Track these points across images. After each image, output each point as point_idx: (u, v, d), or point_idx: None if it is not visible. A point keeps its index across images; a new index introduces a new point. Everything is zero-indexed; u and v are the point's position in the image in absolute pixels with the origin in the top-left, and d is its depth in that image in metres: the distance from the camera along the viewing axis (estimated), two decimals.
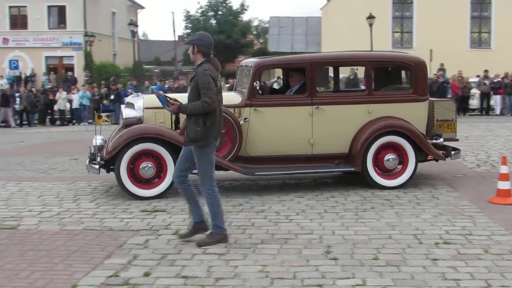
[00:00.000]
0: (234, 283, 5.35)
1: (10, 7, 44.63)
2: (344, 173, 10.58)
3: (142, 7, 60.04)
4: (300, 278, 5.46)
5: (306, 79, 9.69)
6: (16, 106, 28.39)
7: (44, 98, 28.53)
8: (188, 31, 53.06)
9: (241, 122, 9.37)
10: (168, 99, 6.62)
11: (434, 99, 10.29)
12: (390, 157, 9.58)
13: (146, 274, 5.60)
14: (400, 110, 9.71)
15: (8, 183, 10.74)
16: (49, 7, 44.34)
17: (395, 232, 6.97)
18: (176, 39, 62.27)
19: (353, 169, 9.59)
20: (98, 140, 9.59)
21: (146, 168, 9.07)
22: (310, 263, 5.87)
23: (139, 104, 9.50)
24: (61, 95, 28.44)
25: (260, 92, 9.59)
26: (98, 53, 40.92)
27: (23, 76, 40.77)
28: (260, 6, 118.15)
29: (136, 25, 46.17)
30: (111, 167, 9.25)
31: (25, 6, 44.39)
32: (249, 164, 9.50)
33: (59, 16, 44.82)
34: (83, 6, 44.00)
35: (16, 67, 40.07)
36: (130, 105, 9.75)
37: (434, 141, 9.93)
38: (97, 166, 9.18)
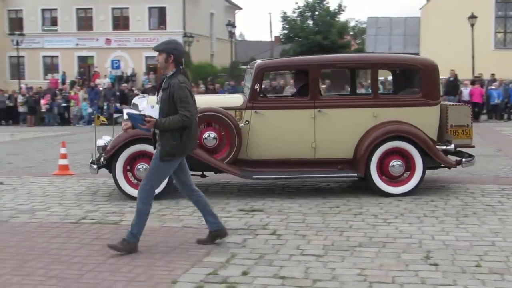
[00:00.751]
0: (332, 286, 5.32)
1: (113, 8, 46.08)
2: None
3: (240, 8, 60.74)
4: (399, 283, 5.36)
5: (309, 81, 9.44)
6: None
7: None
8: (285, 31, 53.17)
9: (241, 125, 9.27)
10: (143, 116, 6.22)
11: (448, 103, 9.88)
12: (395, 163, 9.20)
13: (244, 273, 5.64)
14: (409, 114, 9.31)
15: (111, 179, 11.06)
16: (150, 8, 45.51)
17: (499, 239, 6.75)
18: (273, 39, 62.60)
19: (355, 174, 9.31)
20: (105, 140, 9.55)
21: (141, 169, 9.08)
22: (410, 268, 5.76)
23: (143, 105, 9.12)
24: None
25: (263, 94, 9.62)
26: (196, 54, 41.62)
27: (124, 75, 41.96)
28: (358, 7, 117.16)
29: (234, 26, 46.68)
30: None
31: (127, 8, 45.73)
32: (251, 167, 9.38)
33: (159, 17, 45.94)
34: (183, 7, 44.92)
35: (118, 67, 41.21)
36: (135, 106, 9.66)
37: (445, 147, 9.43)
38: (95, 166, 9.20)
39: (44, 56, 47.16)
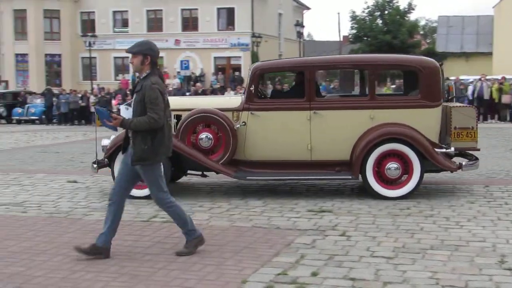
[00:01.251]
0: None
1: (182, 10, 46.68)
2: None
3: (308, 8, 60.62)
4: (473, 287, 5.26)
5: (305, 83, 9.39)
6: None
7: None
8: (354, 31, 52.82)
9: (237, 126, 9.36)
10: (110, 113, 6.09)
11: (452, 105, 9.64)
12: (391, 166, 9.06)
13: (314, 274, 5.63)
14: (407, 116, 9.13)
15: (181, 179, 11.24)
16: (219, 9, 45.90)
17: None
18: (341, 39, 62.22)
19: (350, 177, 9.18)
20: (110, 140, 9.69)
21: None
22: (483, 272, 5.64)
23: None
24: (229, 94, 29.33)
25: (263, 95, 9.79)
26: (265, 54, 41.72)
27: (193, 76, 42.44)
28: (428, 5, 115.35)
29: (302, 26, 46.63)
30: None
31: (196, 9, 46.25)
32: (249, 168, 9.45)
33: (227, 18, 46.28)
34: (251, 8, 45.12)
35: (187, 67, 41.80)
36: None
37: (445, 150, 9.19)
38: (95, 166, 9.26)
39: (115, 57, 48.14)
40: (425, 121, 9.15)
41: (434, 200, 8.99)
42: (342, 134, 9.21)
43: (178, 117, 9.57)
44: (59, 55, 48.53)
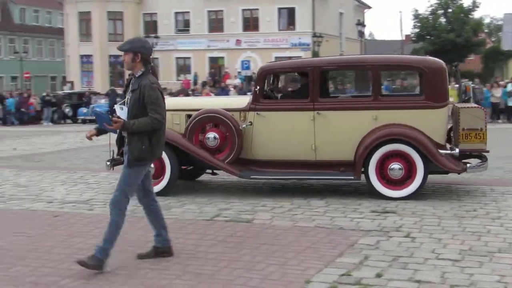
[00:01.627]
0: None
1: (243, 10, 46.89)
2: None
3: (369, 7, 60.15)
4: None
5: (309, 83, 9.47)
6: None
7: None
8: (417, 30, 52.12)
9: (243, 126, 9.56)
10: (111, 116, 5.85)
11: (461, 105, 9.47)
12: (394, 166, 9.05)
13: (378, 276, 5.57)
14: (411, 117, 9.07)
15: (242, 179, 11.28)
16: (279, 9, 45.98)
17: None
18: (403, 38, 61.45)
19: (352, 177, 9.20)
20: None
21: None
22: None
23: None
24: None
25: (273, 96, 9.96)
26: (326, 53, 41.45)
27: (254, 76, 42.55)
28: (493, 3, 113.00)
29: (363, 25, 46.28)
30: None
31: (257, 9, 46.40)
32: (257, 167, 9.62)
33: (288, 17, 46.31)
34: (312, 8, 45.04)
35: (248, 68, 41.93)
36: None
37: (450, 151, 9.13)
38: (108, 163, 9.05)
39: (177, 58, 48.71)
40: (429, 121, 9.09)
41: (501, 202, 8.79)
42: (345, 134, 9.25)
43: (189, 117, 9.90)
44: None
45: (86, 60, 50.12)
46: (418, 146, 8.93)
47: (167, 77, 47.01)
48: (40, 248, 6.66)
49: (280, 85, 10.63)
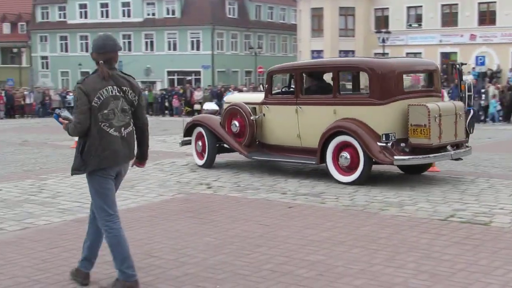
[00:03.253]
0: None
1: (479, 3, 44.97)
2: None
3: None
4: None
5: (294, 83, 11.59)
6: (482, 102, 28.71)
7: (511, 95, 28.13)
8: None
9: (256, 117, 11.97)
10: (60, 117, 5.31)
11: (412, 103, 10.27)
12: (342, 155, 10.49)
13: None
14: (360, 112, 10.43)
15: (477, 178, 10.86)
16: None
17: None
18: None
19: (313, 162, 11.01)
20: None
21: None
22: None
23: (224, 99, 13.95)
24: None
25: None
26: None
27: (488, 72, 40.72)
28: None
29: None
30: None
31: (494, 2, 44.25)
32: (268, 150, 11.93)
33: None
34: None
35: (482, 63, 40.20)
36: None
37: (384, 144, 10.11)
38: (180, 142, 13.62)
39: (408, 53, 47.93)
40: (372, 117, 10.30)
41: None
42: (316, 125, 10.90)
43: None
44: (353, 52, 49.59)
45: (316, 55, 51.00)
46: (356, 138, 10.29)
47: None
48: (276, 238, 6.89)
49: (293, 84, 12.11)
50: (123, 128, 5.12)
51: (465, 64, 13.00)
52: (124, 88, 5.16)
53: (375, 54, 47.83)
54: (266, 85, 12.10)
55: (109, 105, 5.05)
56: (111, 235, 5.10)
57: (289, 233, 7.09)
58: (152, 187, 10.45)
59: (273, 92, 12.18)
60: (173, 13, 59.38)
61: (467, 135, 10.89)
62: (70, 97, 41.04)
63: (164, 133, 22.65)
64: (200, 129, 12.81)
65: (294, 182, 10.79)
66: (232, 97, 13.88)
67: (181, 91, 39.60)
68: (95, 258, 5.39)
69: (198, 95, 37.87)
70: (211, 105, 14.91)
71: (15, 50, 60.47)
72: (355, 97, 11.25)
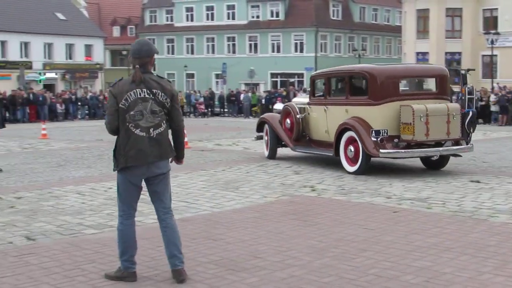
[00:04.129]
0: None
1: None
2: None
3: None
4: None
5: (324, 86, 13.81)
6: None
7: None
8: None
9: (302, 116, 14.21)
10: None
11: (402, 103, 11.99)
12: (349, 148, 12.35)
13: None
14: (362, 111, 12.33)
15: None
16: None
17: None
18: None
19: (330, 154, 12.93)
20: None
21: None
22: None
23: (295, 100, 16.30)
24: None
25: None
26: None
27: None
28: None
29: None
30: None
31: None
32: (310, 144, 14.08)
33: None
34: None
35: None
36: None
37: (376, 139, 11.87)
38: (254, 137, 16.60)
39: None
40: (371, 115, 12.14)
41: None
42: (336, 123, 12.77)
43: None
44: (459, 53, 48.42)
45: (421, 57, 50.10)
46: (354, 132, 12.18)
47: (506, 75, 44.90)
48: (381, 242, 6.81)
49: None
50: (152, 128, 5.38)
51: (473, 70, 15.72)
52: (155, 90, 5.38)
53: (483, 56, 46.52)
54: (310, 89, 14.56)
55: (136, 106, 5.33)
56: (118, 228, 5.56)
57: (394, 238, 7.00)
58: (257, 188, 10.57)
59: (315, 94, 14.33)
60: (277, 15, 59.71)
61: (468, 134, 12.38)
62: None
63: None
64: (267, 126, 15.11)
65: (399, 186, 10.65)
66: (295, 99, 16.98)
67: (284, 93, 39.79)
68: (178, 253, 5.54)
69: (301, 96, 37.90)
70: (280, 105, 16.90)
71: (124, 52, 62.23)
72: (359, 98, 12.65)
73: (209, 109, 44.77)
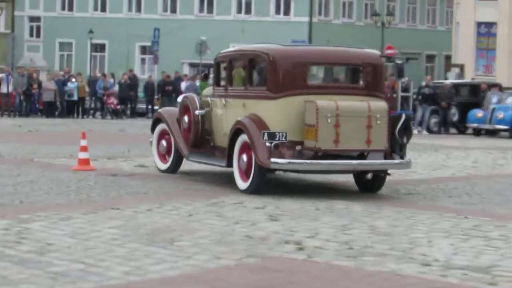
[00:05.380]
0: None
1: None
2: None
3: None
4: None
5: (225, 72, 16.27)
6: None
7: None
8: None
9: (201, 112, 16.24)
10: None
11: (307, 98, 13.91)
12: (242, 157, 14.46)
13: None
14: (260, 107, 14.29)
15: None
16: None
17: None
18: None
19: (223, 165, 15.48)
20: None
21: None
22: None
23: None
24: None
25: None
26: None
27: None
28: None
29: None
30: None
31: None
32: (214, 151, 16.20)
33: None
34: None
35: None
36: None
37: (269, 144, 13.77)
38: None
39: None
40: (268, 112, 14.21)
41: None
42: (231, 122, 14.96)
43: None
44: None
45: (485, 30, 50.66)
46: (247, 135, 14.27)
47: None
48: None
49: None
50: None
51: (415, 59, 18.22)
52: None
53: None
54: (214, 74, 16.50)
55: None
56: None
57: None
58: (205, 243, 10.49)
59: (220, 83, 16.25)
60: None
61: (400, 145, 14.11)
62: (72, 84, 41.87)
63: None
64: (164, 125, 17.13)
65: (444, 244, 10.68)
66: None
67: None
68: None
69: None
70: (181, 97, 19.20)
71: None
72: (258, 90, 14.60)
73: (129, 105, 44.65)
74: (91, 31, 59.25)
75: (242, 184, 14.34)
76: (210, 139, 16.23)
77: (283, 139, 13.57)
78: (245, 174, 14.26)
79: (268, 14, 59.36)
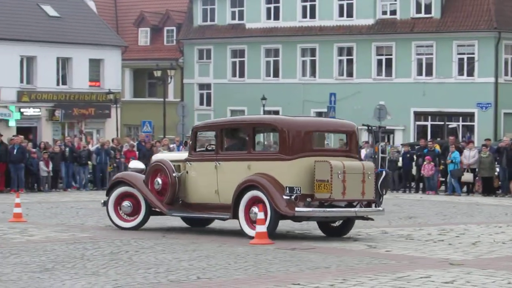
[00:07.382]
0: None
1: None
2: None
3: None
4: None
5: (215, 139, 20.23)
6: None
7: None
8: None
9: (179, 174, 19.79)
10: None
11: (316, 159, 18.05)
12: (253, 210, 17.99)
13: None
14: (271, 167, 18.16)
15: None
16: None
17: None
18: None
19: (227, 217, 19.11)
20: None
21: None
22: None
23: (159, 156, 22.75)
24: None
25: None
26: None
27: None
28: None
29: None
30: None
31: None
32: (187, 209, 19.96)
33: None
34: None
35: None
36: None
37: (288, 197, 17.83)
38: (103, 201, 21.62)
39: None
40: (282, 171, 18.01)
41: None
42: (232, 181, 18.70)
43: None
44: None
45: None
46: (263, 191, 18.18)
47: None
48: None
49: None
50: None
51: (383, 127, 23.38)
52: None
53: None
54: (190, 142, 20.45)
55: None
56: None
57: None
58: None
59: (197, 149, 20.21)
60: (428, 10, 59.64)
61: (380, 196, 18.51)
62: None
63: None
64: (126, 188, 20.51)
65: None
66: (159, 155, 23.11)
67: (435, 148, 39.81)
68: None
69: None
70: (137, 164, 23.52)
71: (157, 73, 62.81)
72: (267, 153, 18.98)
73: None
74: (264, 98, 59.56)
75: (251, 232, 17.89)
76: (179, 198, 19.87)
77: (299, 192, 17.66)
78: (253, 223, 17.96)
79: (450, 76, 58.52)
